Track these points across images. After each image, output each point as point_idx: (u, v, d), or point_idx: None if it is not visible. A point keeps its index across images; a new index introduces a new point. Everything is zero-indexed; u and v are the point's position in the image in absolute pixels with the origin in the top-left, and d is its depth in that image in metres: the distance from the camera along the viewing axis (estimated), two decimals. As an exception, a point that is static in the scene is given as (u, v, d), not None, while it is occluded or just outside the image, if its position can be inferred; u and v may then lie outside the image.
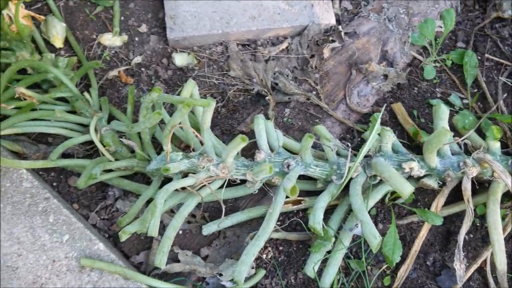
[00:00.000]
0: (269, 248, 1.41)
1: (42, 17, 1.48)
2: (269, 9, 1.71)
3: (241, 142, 1.18)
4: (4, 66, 1.57)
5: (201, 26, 1.67)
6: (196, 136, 1.32)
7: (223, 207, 1.30)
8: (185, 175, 1.38)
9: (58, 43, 1.65)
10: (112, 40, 1.70)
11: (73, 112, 1.52)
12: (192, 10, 1.69)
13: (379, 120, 1.29)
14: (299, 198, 1.40)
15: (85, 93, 1.53)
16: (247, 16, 1.69)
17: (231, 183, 1.36)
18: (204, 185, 1.32)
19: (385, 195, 1.41)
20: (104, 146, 1.44)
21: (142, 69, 1.68)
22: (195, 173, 1.32)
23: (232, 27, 1.67)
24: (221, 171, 1.31)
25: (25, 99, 1.36)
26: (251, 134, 1.53)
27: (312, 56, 1.64)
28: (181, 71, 1.68)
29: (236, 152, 1.23)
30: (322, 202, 1.33)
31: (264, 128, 1.38)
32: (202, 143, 1.34)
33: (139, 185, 1.45)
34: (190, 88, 1.34)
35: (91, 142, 1.53)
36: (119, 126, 1.35)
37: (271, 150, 1.39)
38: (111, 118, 1.52)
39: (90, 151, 1.54)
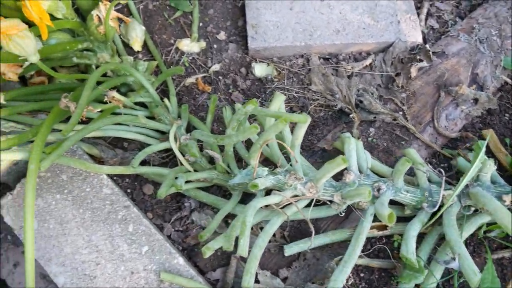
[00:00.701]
0: (350, 274, 1.34)
1: (129, 19, 1.44)
2: (353, 23, 1.65)
3: (342, 163, 1.11)
4: (84, 67, 1.55)
5: (284, 37, 1.62)
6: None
7: (312, 228, 1.24)
8: (266, 191, 1.33)
9: (137, 46, 1.61)
10: (190, 46, 1.66)
11: (151, 118, 1.48)
12: (274, 20, 1.64)
13: (483, 149, 1.21)
14: (384, 223, 1.33)
15: (165, 100, 1.49)
16: (331, 29, 1.63)
17: (312, 203, 1.30)
18: (289, 204, 1.26)
19: (479, 228, 1.32)
20: (183, 155, 1.39)
21: (220, 77, 1.64)
22: (279, 191, 1.27)
23: (315, 40, 1.62)
24: (309, 191, 1.25)
25: (109, 102, 1.32)
26: (332, 152, 1.47)
27: (398, 74, 1.57)
28: (260, 82, 1.63)
29: (334, 173, 1.17)
30: (413, 230, 1.26)
31: (355, 148, 1.32)
32: (288, 160, 1.28)
33: (217, 198, 1.40)
34: (279, 102, 1.28)
35: (167, 150, 1.49)
36: (204, 137, 1.30)
37: (359, 171, 1.32)
38: (188, 126, 1.48)
39: (165, 159, 1.50)
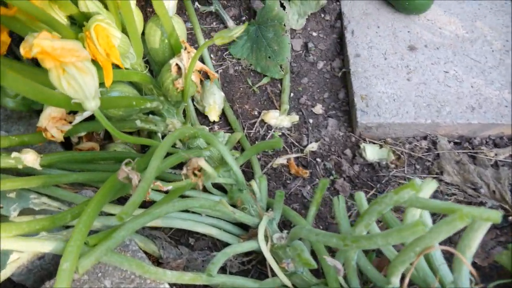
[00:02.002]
0: None
1: (215, 74, 1.10)
2: (491, 99, 1.27)
3: None
4: (147, 134, 1.19)
5: (403, 112, 1.24)
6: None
7: None
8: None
9: (214, 115, 1.27)
10: (279, 119, 1.30)
11: (231, 205, 1.08)
12: (389, 92, 1.28)
13: None
14: None
15: (252, 183, 1.09)
16: (463, 105, 1.25)
17: None
18: None
19: None
20: (277, 262, 0.97)
21: (318, 159, 1.25)
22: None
23: (445, 118, 1.23)
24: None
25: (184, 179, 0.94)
26: (489, 270, 1.01)
27: None
28: (371, 168, 1.23)
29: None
30: None
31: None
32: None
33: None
34: (430, 190, 0.87)
35: (247, 253, 1.07)
36: (320, 236, 0.87)
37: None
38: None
39: (246, 265, 1.07)
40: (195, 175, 0.90)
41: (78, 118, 0.95)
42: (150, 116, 1.15)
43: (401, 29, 1.41)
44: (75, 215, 0.81)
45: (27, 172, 0.89)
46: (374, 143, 1.27)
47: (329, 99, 1.36)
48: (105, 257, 0.78)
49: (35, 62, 0.83)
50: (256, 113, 1.33)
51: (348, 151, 1.26)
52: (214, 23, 1.46)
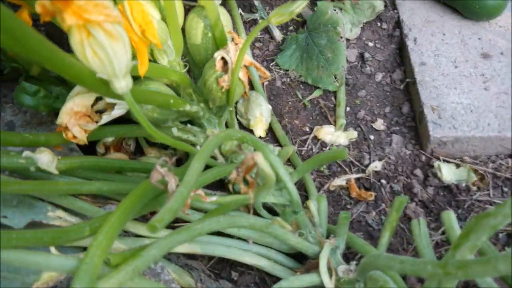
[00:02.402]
0: None
1: (267, 72, 0.94)
2: None
3: None
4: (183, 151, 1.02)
5: (484, 124, 1.05)
6: None
7: None
8: None
9: (260, 129, 1.10)
10: (335, 135, 1.13)
11: (283, 231, 0.88)
12: (465, 102, 1.10)
13: None
14: None
15: (309, 203, 0.90)
16: (557, 117, 1.05)
17: None
18: None
19: None
20: (345, 300, 0.75)
21: (383, 180, 1.05)
22: None
23: (536, 131, 1.03)
24: None
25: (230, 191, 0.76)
26: None
27: None
28: (448, 191, 1.02)
29: None
30: None
31: None
32: None
33: None
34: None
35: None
36: (408, 265, 0.67)
37: None
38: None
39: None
40: (245, 182, 0.71)
41: (106, 118, 0.79)
42: (188, 125, 0.99)
43: (470, 36, 1.24)
44: (94, 228, 0.64)
45: (40, 178, 0.73)
46: (448, 161, 1.07)
47: (391, 113, 1.17)
48: (130, 282, 0.59)
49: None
50: (307, 129, 1.16)
51: (418, 172, 1.06)
52: (259, 33, 1.32)
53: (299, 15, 1.32)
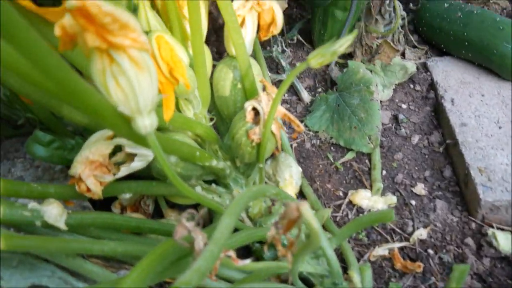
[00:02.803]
0: None
1: (301, 126, 0.86)
2: None
3: None
4: (206, 213, 0.93)
5: (541, 187, 0.94)
6: None
7: None
8: None
9: (291, 192, 1.00)
10: (372, 200, 1.02)
11: (321, 306, 0.76)
12: (515, 164, 1.00)
13: None
14: None
15: (352, 273, 0.78)
16: None
17: None
18: None
19: None
20: None
21: (430, 250, 0.93)
22: None
23: None
24: None
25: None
26: None
27: None
28: (506, 262, 0.90)
29: None
30: None
31: None
32: None
33: None
34: None
35: None
36: None
37: None
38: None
39: None
40: (283, 245, 0.61)
41: (124, 170, 0.71)
42: (213, 185, 0.90)
43: (510, 97, 1.16)
44: (105, 294, 0.53)
45: (46, 235, 0.63)
46: (503, 229, 0.95)
47: (431, 177, 1.08)
48: None
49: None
50: (341, 193, 1.06)
51: (469, 240, 0.94)
52: (286, 94, 1.27)
53: (328, 77, 1.27)
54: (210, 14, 1.21)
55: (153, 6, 0.78)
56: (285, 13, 0.98)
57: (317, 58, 0.66)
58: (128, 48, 0.48)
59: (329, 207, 1.03)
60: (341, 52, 0.66)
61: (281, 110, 0.81)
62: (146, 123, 0.53)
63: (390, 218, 0.76)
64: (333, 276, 0.76)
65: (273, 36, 1.29)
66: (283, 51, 1.30)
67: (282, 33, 1.31)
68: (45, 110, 0.84)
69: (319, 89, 1.28)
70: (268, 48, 1.30)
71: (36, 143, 0.74)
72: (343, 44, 0.64)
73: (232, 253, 0.60)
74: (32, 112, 0.82)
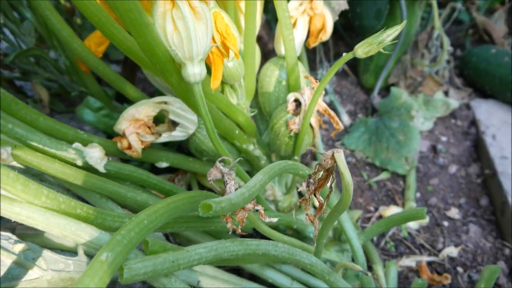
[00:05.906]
0: None
1: (340, 124, 0.89)
2: None
3: None
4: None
5: None
6: None
7: None
8: None
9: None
10: (403, 217, 1.02)
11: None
12: (555, 195, 0.98)
13: None
14: None
15: (377, 268, 0.78)
16: None
17: None
18: None
19: None
20: None
21: (459, 268, 0.91)
22: None
23: None
24: None
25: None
26: None
27: None
28: (540, 289, 0.86)
29: None
30: None
31: None
32: None
33: None
34: None
35: None
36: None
37: None
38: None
39: None
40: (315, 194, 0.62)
41: (165, 136, 0.76)
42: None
43: (554, 139, 1.16)
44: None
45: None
46: (540, 258, 0.92)
47: (467, 205, 1.07)
48: (165, 278, 0.50)
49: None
50: (372, 208, 1.06)
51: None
52: (326, 116, 1.31)
53: (370, 105, 1.31)
54: (260, 38, 1.28)
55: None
56: (333, 39, 1.03)
57: (364, 47, 0.70)
58: (189, -4, 0.55)
59: (361, 218, 1.04)
60: (389, 42, 0.70)
61: (322, 104, 0.85)
62: (195, 70, 0.58)
63: (422, 216, 0.76)
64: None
65: (320, 61, 1.35)
66: (329, 78, 1.35)
67: (328, 59, 1.37)
68: (97, 85, 0.91)
69: (359, 115, 1.31)
70: (314, 71, 1.36)
71: (86, 108, 0.81)
72: (391, 34, 0.68)
73: (260, 208, 0.62)
74: (86, 86, 0.89)
